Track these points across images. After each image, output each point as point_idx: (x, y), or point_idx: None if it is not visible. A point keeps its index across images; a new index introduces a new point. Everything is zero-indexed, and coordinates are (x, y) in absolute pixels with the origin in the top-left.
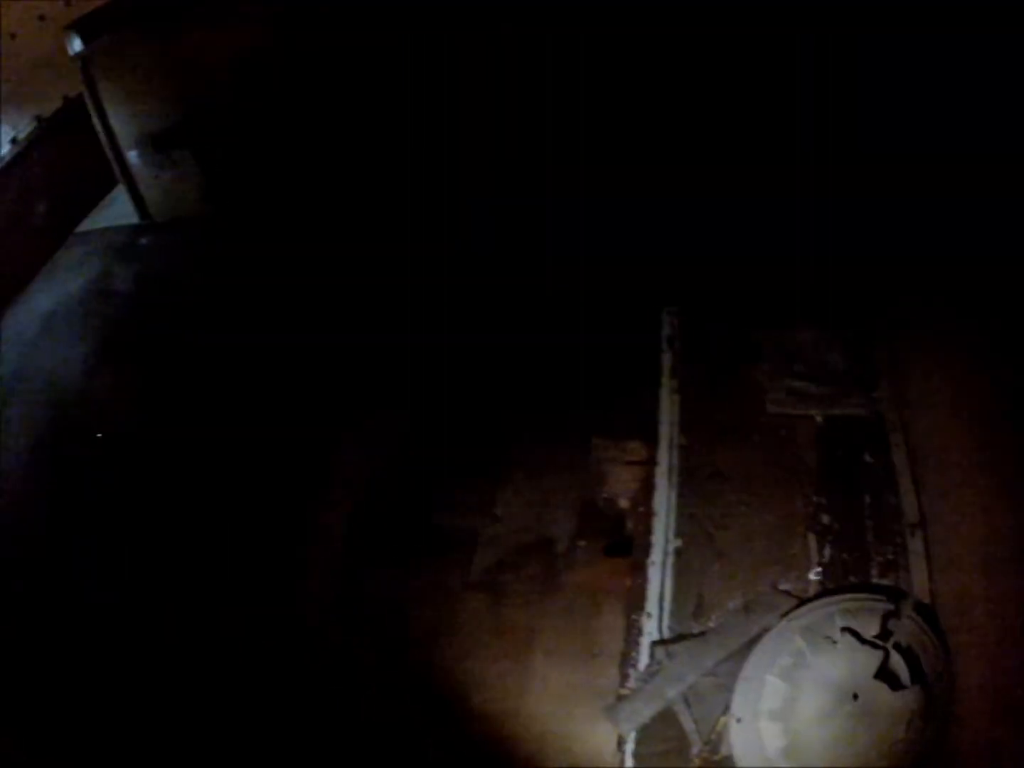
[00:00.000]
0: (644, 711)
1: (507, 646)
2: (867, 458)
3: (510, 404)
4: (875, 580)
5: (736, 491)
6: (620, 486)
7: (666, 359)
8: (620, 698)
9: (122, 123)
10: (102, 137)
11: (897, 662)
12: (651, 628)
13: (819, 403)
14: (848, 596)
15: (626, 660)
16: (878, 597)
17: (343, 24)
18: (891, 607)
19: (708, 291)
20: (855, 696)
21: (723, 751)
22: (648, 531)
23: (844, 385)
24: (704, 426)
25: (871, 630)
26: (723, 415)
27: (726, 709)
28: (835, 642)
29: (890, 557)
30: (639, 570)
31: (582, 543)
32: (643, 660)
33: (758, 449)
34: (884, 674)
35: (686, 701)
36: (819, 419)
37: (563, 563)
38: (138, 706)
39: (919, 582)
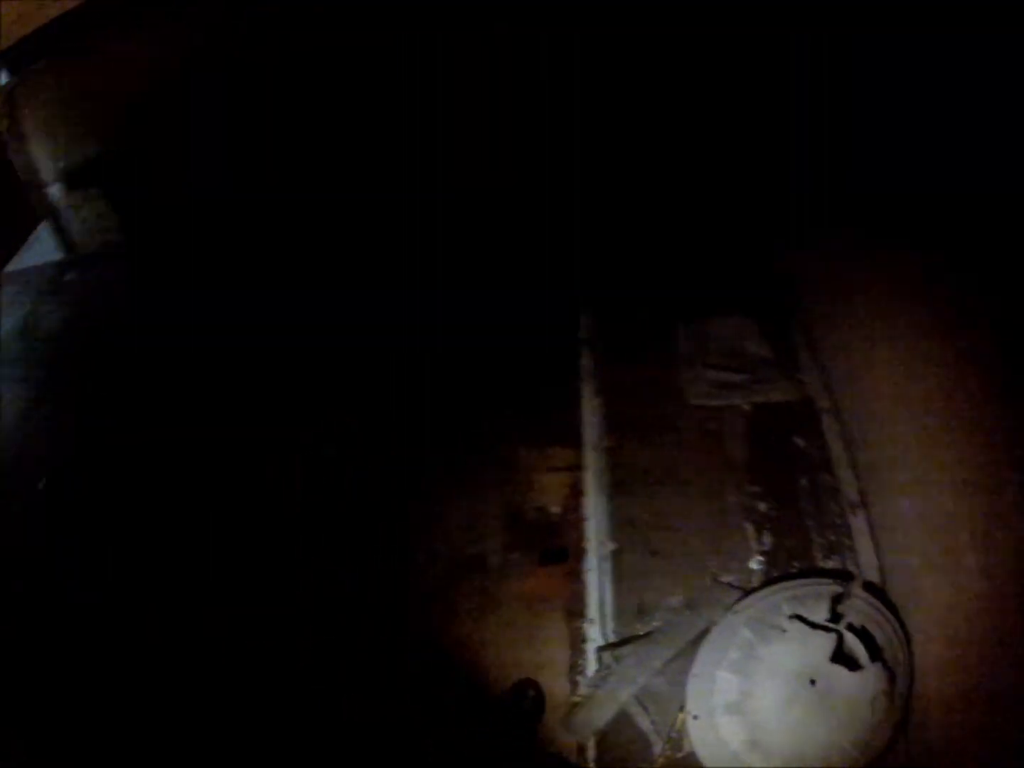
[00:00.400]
0: (600, 717)
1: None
2: (799, 442)
3: (437, 413)
4: (820, 564)
5: (667, 488)
6: (549, 494)
7: (586, 361)
8: (573, 706)
9: (45, 157)
10: (22, 173)
11: (852, 643)
12: (595, 634)
13: (744, 392)
14: (793, 583)
15: (574, 668)
16: (824, 580)
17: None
18: (839, 589)
19: (624, 288)
20: (813, 682)
21: (686, 748)
22: (582, 537)
23: (768, 371)
24: (629, 426)
25: (821, 614)
26: (648, 413)
27: (682, 706)
28: (784, 630)
29: (832, 539)
30: (576, 577)
31: (515, 555)
32: (591, 666)
33: (686, 444)
34: (840, 657)
35: (640, 703)
36: (746, 407)
37: (499, 577)
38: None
39: (866, 561)
